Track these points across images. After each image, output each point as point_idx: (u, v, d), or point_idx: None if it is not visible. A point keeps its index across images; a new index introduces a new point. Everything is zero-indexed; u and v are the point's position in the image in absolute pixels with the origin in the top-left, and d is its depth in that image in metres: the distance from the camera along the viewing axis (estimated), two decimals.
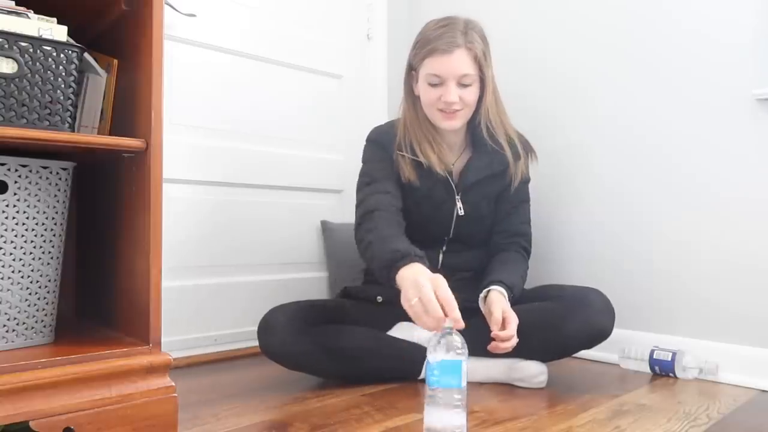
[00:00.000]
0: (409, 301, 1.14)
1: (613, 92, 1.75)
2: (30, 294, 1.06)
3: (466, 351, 1.04)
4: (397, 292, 1.22)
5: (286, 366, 1.43)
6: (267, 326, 1.42)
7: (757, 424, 1.21)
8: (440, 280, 1.14)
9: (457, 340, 1.04)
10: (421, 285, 1.12)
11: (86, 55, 1.13)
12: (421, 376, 1.49)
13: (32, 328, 1.06)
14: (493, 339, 1.34)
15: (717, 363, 1.52)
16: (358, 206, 1.51)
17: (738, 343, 1.51)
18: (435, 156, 1.52)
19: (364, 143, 1.62)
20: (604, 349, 1.60)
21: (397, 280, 1.22)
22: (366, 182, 1.53)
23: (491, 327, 1.35)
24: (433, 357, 1.03)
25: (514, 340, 1.34)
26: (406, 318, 1.21)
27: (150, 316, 1.05)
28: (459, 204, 1.56)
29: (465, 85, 1.47)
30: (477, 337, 1.39)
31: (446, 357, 1.02)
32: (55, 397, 0.94)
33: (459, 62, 1.44)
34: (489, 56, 1.50)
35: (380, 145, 1.57)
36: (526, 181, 1.63)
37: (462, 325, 1.07)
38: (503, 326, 1.35)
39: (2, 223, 1.02)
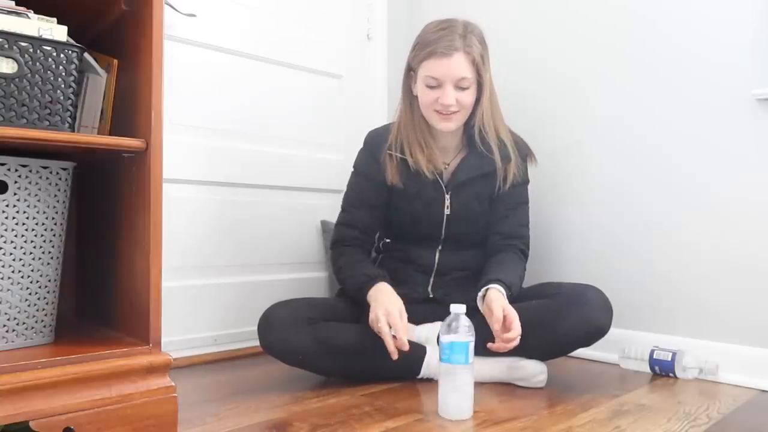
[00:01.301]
0: (373, 325, 1.39)
1: (613, 92, 1.75)
2: (30, 294, 1.06)
3: (473, 333, 1.23)
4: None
5: (285, 362, 1.44)
6: (267, 322, 1.42)
7: (757, 424, 1.21)
8: (394, 310, 1.37)
9: (465, 323, 1.22)
10: (379, 318, 1.36)
11: (86, 55, 1.13)
12: (421, 374, 1.49)
13: (32, 328, 1.06)
14: (494, 337, 1.34)
15: (717, 363, 1.52)
16: (335, 226, 1.64)
17: (738, 343, 1.51)
18: (424, 158, 1.54)
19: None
20: (604, 349, 1.60)
21: (368, 299, 1.45)
22: (343, 207, 1.63)
23: (492, 325, 1.35)
24: (445, 338, 1.22)
25: (518, 339, 1.34)
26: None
27: (150, 316, 1.05)
28: (447, 203, 1.57)
29: (462, 88, 1.47)
30: (475, 336, 1.39)
31: (456, 339, 1.21)
32: (55, 397, 0.95)
33: (457, 65, 1.45)
34: (487, 60, 1.51)
35: (370, 150, 1.61)
36: (524, 183, 1.63)
37: (406, 348, 1.34)
38: (505, 324, 1.35)
39: (2, 223, 1.02)
